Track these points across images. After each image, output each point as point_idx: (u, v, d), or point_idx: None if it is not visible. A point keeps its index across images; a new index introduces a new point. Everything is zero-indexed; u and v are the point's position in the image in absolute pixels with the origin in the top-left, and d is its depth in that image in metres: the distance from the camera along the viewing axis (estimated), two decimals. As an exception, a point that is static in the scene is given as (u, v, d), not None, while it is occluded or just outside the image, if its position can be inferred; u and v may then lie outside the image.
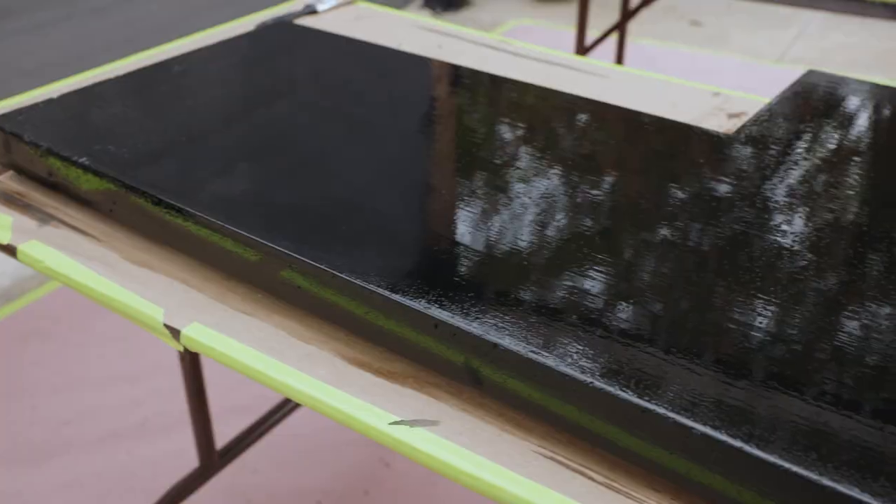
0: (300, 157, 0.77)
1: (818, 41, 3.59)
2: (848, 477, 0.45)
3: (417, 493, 1.50)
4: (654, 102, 0.98)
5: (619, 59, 2.39)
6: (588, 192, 0.72)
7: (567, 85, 1.01)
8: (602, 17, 3.32)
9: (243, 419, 1.51)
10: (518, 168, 0.76)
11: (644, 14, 3.61)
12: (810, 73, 0.96)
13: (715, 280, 0.61)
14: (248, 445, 1.34)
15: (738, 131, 0.83)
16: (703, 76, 3.21)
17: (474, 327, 0.55)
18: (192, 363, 1.16)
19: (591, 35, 2.33)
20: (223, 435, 1.44)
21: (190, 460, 1.39)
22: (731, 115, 0.96)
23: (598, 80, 1.04)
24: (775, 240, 0.65)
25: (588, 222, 0.68)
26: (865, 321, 0.57)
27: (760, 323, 0.56)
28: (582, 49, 2.14)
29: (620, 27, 2.34)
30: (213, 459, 1.24)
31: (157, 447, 1.59)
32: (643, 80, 1.05)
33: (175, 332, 0.65)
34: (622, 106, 0.90)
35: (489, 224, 0.68)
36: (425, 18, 1.27)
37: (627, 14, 2.32)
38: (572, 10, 3.74)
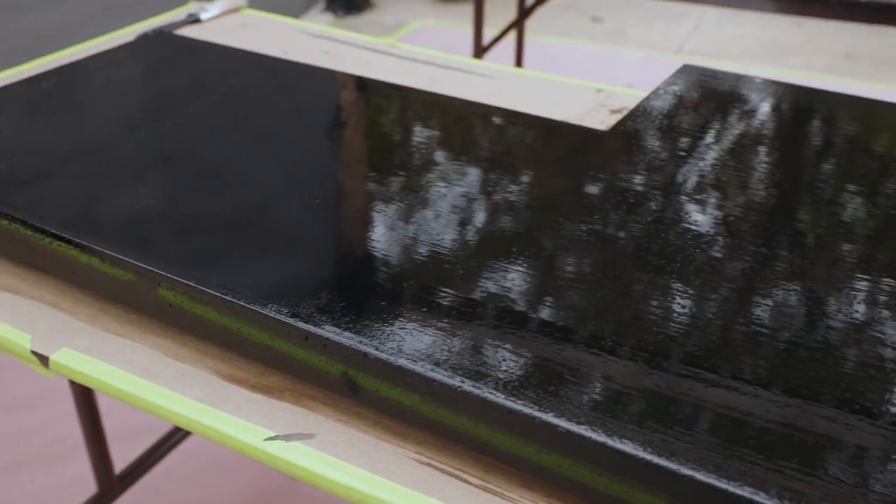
0: (170, 173, 0.75)
1: (713, 33, 3.69)
2: (708, 465, 0.46)
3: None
4: (539, 102, 0.99)
5: (519, 58, 2.42)
6: (458, 196, 0.72)
7: (452, 87, 1.02)
8: (505, 15, 3.35)
9: (148, 439, 1.48)
10: (390, 175, 0.76)
11: (545, 11, 3.66)
12: (685, 67, 0.98)
13: (583, 278, 0.62)
14: (151, 465, 1.31)
15: (614, 128, 0.84)
16: (604, 72, 3.27)
17: (344, 338, 0.55)
18: (82, 387, 1.13)
19: (493, 34, 2.35)
20: (126, 457, 1.40)
21: (93, 486, 1.35)
22: (613, 111, 0.98)
23: (483, 81, 1.04)
24: (644, 233, 0.67)
25: (456, 227, 0.68)
26: (724, 309, 0.58)
27: (626, 320, 0.57)
28: (479, 49, 2.16)
29: (518, 25, 2.36)
30: (111, 484, 1.20)
31: (59, 475, 1.54)
32: (528, 80, 1.06)
33: (43, 359, 0.63)
34: (505, 107, 0.90)
35: (357, 234, 0.68)
36: (312, 24, 1.26)
37: (524, 12, 2.34)
38: (475, 10, 3.75)
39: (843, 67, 3.31)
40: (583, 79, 1.08)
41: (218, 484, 1.52)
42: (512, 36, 2.42)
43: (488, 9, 2.63)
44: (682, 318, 0.57)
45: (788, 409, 0.50)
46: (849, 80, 3.18)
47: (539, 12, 3.15)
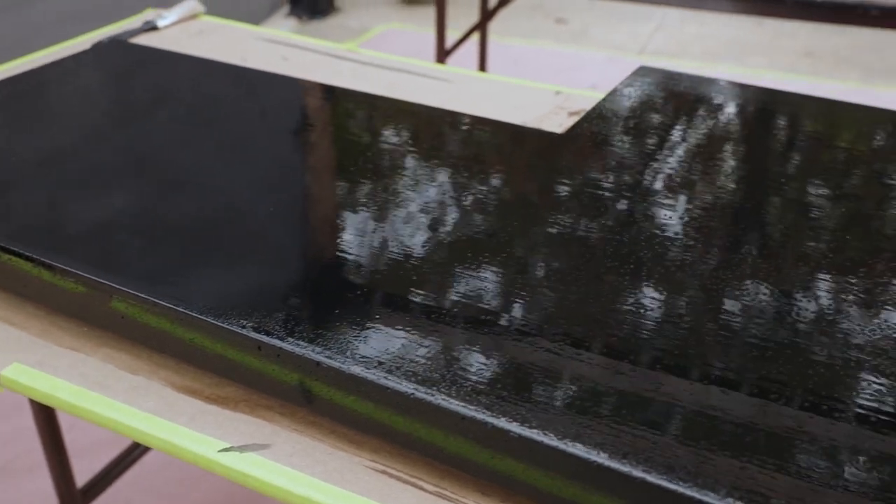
0: (122, 183, 0.75)
1: (676, 33, 3.72)
2: (659, 467, 0.47)
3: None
4: (498, 105, 0.99)
5: (482, 60, 2.42)
6: (410, 203, 0.72)
7: (411, 92, 1.01)
8: (470, 18, 3.35)
9: (112, 451, 1.46)
10: (344, 183, 0.76)
11: (509, 13, 3.67)
12: (641, 69, 0.99)
13: (535, 282, 0.62)
14: (114, 478, 1.30)
15: (569, 130, 0.85)
16: (568, 73, 3.29)
17: (297, 347, 0.55)
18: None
19: (457, 37, 2.35)
20: (91, 470, 1.38)
21: (54, 501, 1.33)
22: (572, 113, 0.98)
23: (442, 85, 1.04)
24: (595, 236, 0.67)
25: (408, 234, 0.68)
26: (675, 310, 0.59)
27: (577, 324, 0.58)
28: (442, 52, 2.16)
29: (481, 28, 2.36)
30: (73, 498, 1.19)
31: (21, 489, 1.51)
32: (487, 84, 1.06)
33: (-6, 374, 0.62)
34: (464, 111, 0.90)
35: (309, 244, 0.67)
36: (272, 30, 1.26)
37: (487, 14, 2.35)
38: (440, 13, 3.74)
39: (805, 66, 3.35)
40: (547, 80, 1.09)
41: (183, 496, 1.50)
42: (476, 38, 2.42)
43: (453, 12, 2.63)
44: (635, 320, 0.58)
45: (741, 410, 0.50)
46: (810, 79, 3.22)
47: (503, 14, 3.16)
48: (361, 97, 0.93)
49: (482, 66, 2.43)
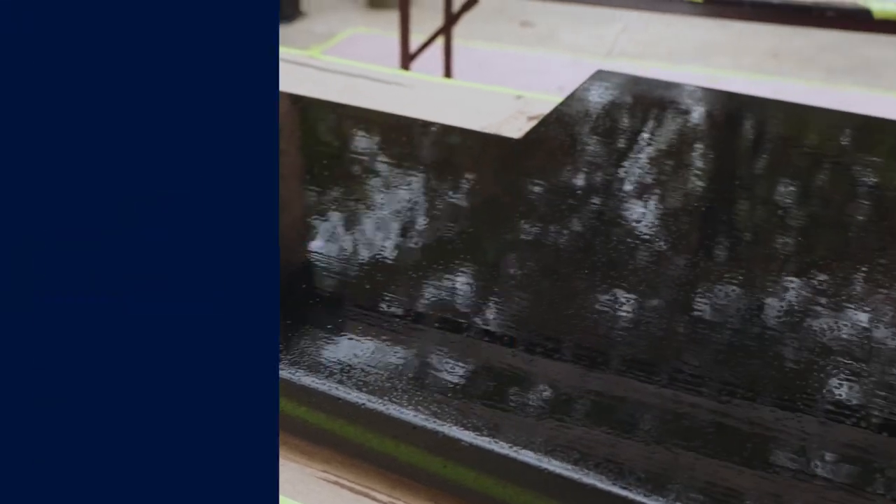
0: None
1: (641, 35, 3.74)
2: (611, 474, 0.47)
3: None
4: (458, 110, 0.99)
5: (448, 64, 2.42)
6: (360, 210, 0.72)
7: (371, 98, 1.01)
8: (436, 21, 3.35)
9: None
10: (297, 190, 0.75)
11: (474, 17, 3.68)
12: (599, 72, 0.99)
13: (487, 289, 0.62)
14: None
15: (526, 135, 0.85)
16: (534, 76, 3.30)
17: (246, 358, 0.54)
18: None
19: (422, 42, 2.35)
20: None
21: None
22: (531, 118, 0.98)
23: (403, 91, 1.04)
24: (545, 242, 0.67)
25: (357, 241, 0.68)
26: (628, 314, 0.59)
27: (528, 330, 0.58)
28: (407, 57, 2.16)
29: (445, 32, 2.36)
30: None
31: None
32: (448, 89, 1.06)
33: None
34: (423, 117, 0.90)
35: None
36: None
37: (451, 19, 2.35)
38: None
39: (770, 66, 3.39)
40: (513, 83, 1.09)
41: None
42: (441, 42, 2.43)
43: (418, 16, 2.63)
44: (588, 325, 0.58)
45: (695, 413, 0.51)
46: (775, 79, 3.25)
47: (468, 18, 3.16)
48: (320, 104, 0.92)
49: (447, 71, 2.44)
